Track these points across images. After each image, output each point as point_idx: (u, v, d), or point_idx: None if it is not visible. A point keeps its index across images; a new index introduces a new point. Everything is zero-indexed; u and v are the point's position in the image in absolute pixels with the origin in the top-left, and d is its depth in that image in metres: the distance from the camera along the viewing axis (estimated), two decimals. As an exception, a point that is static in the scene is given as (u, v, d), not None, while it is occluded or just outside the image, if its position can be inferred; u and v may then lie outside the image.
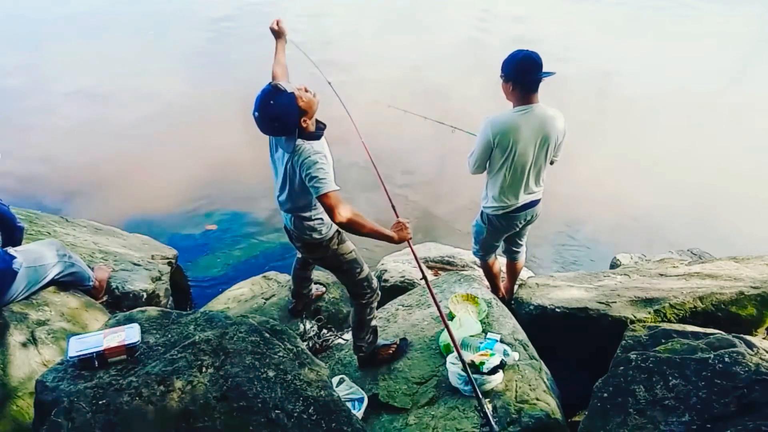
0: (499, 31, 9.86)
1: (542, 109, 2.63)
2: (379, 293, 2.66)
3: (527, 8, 11.44)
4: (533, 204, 2.90)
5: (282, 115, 2.10)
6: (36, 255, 2.74)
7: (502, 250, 3.32)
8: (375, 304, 2.66)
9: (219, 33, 9.80)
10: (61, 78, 7.94)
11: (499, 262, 3.39)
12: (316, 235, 2.41)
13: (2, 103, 7.38)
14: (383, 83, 7.62)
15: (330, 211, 2.10)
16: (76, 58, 8.75)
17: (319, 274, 3.61)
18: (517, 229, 3.04)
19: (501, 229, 3.02)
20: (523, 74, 2.56)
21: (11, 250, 2.65)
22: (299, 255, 2.96)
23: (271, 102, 2.08)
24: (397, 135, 6.02)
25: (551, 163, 2.86)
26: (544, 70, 2.53)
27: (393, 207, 2.60)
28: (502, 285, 3.47)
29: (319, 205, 2.27)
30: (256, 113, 2.12)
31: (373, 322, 2.68)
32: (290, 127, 2.13)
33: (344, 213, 2.09)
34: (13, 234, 2.82)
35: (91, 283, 3.04)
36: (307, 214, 2.36)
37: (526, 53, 2.54)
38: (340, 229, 2.47)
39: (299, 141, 2.17)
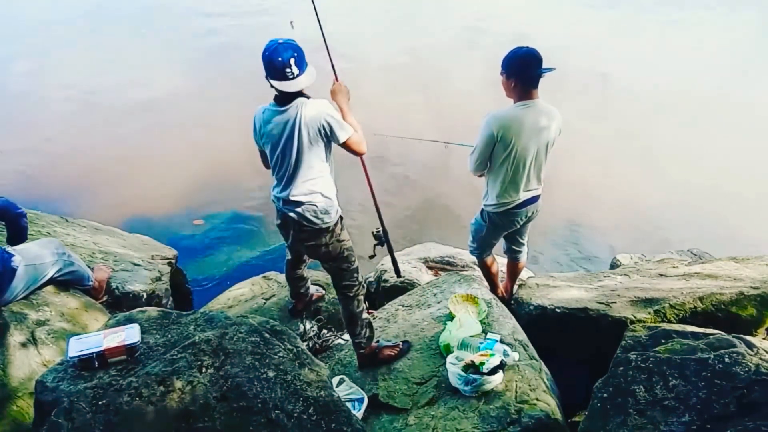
0: (497, 32, 9.86)
1: (542, 104, 2.66)
2: (365, 286, 2.67)
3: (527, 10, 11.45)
4: (533, 200, 2.90)
5: (300, 52, 2.23)
6: (35, 253, 2.73)
7: (503, 250, 3.32)
8: (362, 297, 2.66)
9: (218, 32, 9.79)
10: (60, 77, 7.93)
11: (498, 262, 3.39)
12: (327, 218, 2.43)
13: (2, 102, 7.38)
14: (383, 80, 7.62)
15: (356, 149, 2.40)
16: (75, 58, 8.74)
17: (318, 275, 3.60)
18: (518, 227, 3.04)
19: (501, 227, 3.02)
20: (523, 70, 2.58)
21: (9, 249, 2.65)
22: (289, 257, 2.96)
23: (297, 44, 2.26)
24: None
25: None
26: (544, 66, 2.55)
27: (333, 67, 2.63)
28: (502, 285, 3.46)
29: (328, 176, 2.43)
30: (275, 47, 2.19)
31: (365, 315, 2.68)
32: (303, 62, 2.24)
33: (364, 143, 2.41)
34: (18, 222, 2.77)
35: (90, 283, 3.04)
36: (318, 189, 2.39)
37: (527, 49, 2.57)
38: (342, 215, 2.55)
39: (302, 98, 2.29)
